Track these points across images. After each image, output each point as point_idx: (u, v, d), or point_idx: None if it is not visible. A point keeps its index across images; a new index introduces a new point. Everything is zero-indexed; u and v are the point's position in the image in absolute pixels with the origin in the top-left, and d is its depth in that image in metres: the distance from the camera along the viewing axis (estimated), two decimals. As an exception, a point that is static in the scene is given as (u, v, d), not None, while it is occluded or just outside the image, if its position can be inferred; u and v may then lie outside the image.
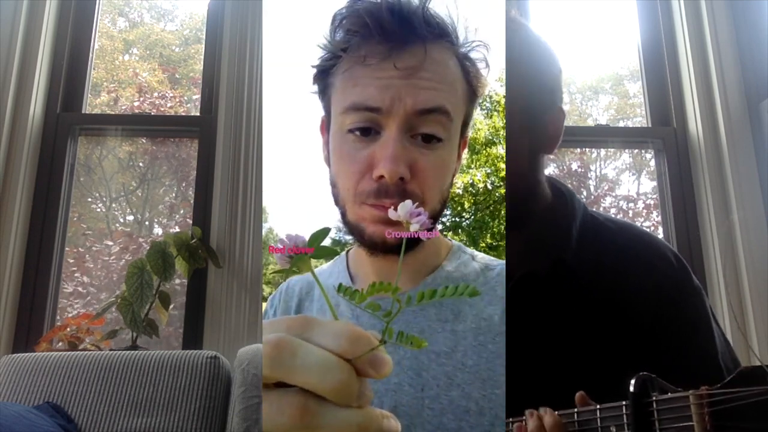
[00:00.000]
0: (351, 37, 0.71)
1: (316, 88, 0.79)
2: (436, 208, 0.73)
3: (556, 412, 0.69)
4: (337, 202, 0.76)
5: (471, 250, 0.83)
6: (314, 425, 0.37)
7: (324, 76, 0.76)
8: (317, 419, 0.37)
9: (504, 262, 0.80)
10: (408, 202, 0.47)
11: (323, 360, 0.37)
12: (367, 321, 0.76)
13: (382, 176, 0.69)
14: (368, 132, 0.70)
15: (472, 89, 0.76)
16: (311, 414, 0.37)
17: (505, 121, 0.87)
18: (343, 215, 0.75)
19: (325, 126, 0.79)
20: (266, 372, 0.37)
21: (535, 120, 0.87)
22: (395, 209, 0.48)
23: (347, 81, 0.72)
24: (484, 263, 0.80)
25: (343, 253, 0.88)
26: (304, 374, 0.37)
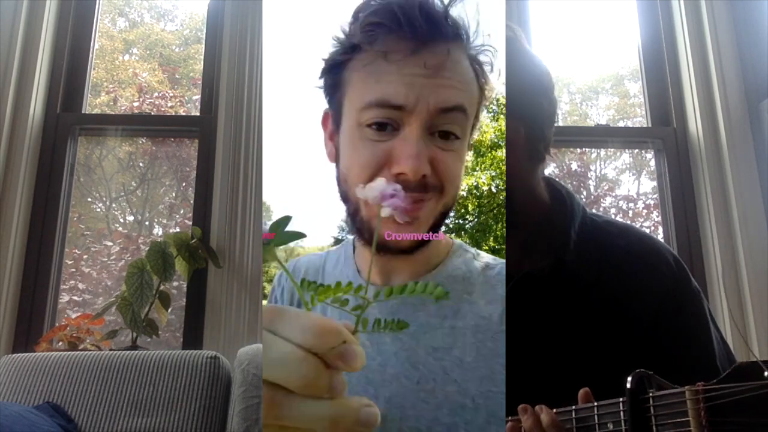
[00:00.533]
0: (372, 31, 0.70)
1: (321, 82, 0.77)
2: (449, 203, 0.73)
3: (554, 410, 0.69)
4: (346, 199, 0.74)
5: (472, 249, 0.83)
6: (282, 417, 0.37)
7: (336, 71, 0.74)
8: (285, 411, 0.37)
9: (504, 261, 0.80)
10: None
11: (288, 355, 0.37)
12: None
13: (402, 173, 0.68)
14: (385, 127, 0.69)
15: (481, 92, 0.76)
16: (278, 407, 0.37)
17: None
18: (355, 213, 0.73)
19: (332, 121, 0.77)
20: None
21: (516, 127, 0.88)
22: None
23: (368, 76, 0.70)
24: (485, 262, 0.80)
25: (349, 243, 0.87)
26: (269, 370, 0.37)
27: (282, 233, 0.44)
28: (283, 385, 0.37)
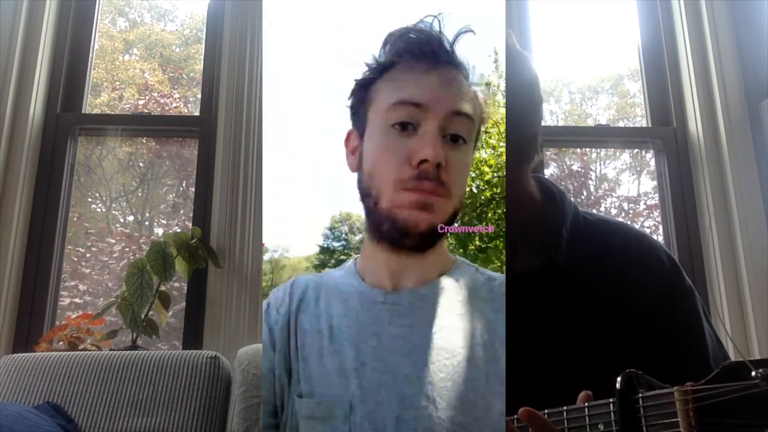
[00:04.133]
0: (399, 55, 0.81)
1: (350, 101, 0.85)
2: (457, 206, 0.78)
3: (545, 411, 0.69)
4: (367, 196, 0.80)
5: (474, 264, 0.86)
6: None
7: (364, 90, 0.83)
8: None
9: (504, 276, 0.83)
10: None
11: None
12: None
13: (424, 160, 0.74)
14: (407, 127, 0.77)
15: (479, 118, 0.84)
16: None
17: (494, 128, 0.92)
18: (374, 205, 0.78)
19: (355, 136, 0.84)
20: None
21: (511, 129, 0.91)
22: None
23: (393, 84, 0.80)
24: (488, 274, 0.83)
25: (351, 260, 0.89)
26: None
27: None
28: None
